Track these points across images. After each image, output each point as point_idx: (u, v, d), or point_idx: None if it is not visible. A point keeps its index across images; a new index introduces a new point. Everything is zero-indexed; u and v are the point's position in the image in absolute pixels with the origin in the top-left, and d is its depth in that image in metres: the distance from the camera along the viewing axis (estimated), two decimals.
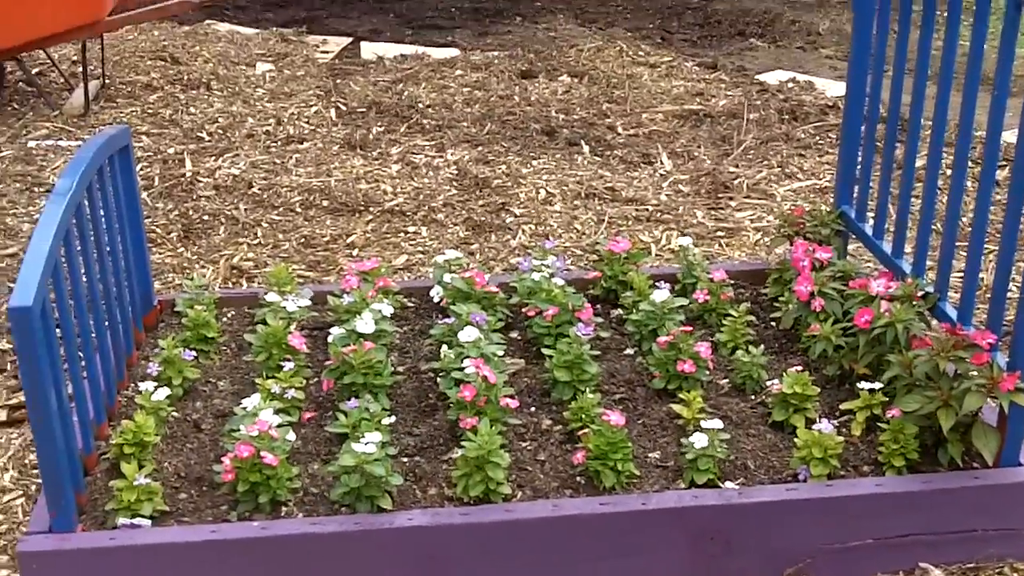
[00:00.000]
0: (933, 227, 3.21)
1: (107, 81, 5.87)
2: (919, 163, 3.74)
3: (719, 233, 4.14)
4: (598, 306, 3.26)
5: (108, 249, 2.76)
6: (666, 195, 4.50)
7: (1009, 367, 2.34)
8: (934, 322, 2.73)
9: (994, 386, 2.30)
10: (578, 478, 2.43)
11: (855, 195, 3.30)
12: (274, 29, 7.34)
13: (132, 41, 6.68)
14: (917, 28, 2.88)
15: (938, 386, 2.39)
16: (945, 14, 2.69)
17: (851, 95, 3.26)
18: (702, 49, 7.08)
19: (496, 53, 6.65)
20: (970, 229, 2.63)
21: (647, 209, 4.35)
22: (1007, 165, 4.33)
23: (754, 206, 4.37)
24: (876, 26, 3.14)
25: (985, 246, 3.59)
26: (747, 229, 4.16)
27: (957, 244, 2.77)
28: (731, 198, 4.44)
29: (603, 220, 4.26)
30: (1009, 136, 3.85)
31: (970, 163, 3.81)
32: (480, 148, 5.02)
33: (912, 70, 2.95)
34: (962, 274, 2.65)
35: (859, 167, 3.30)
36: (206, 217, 4.28)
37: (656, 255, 3.96)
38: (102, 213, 2.72)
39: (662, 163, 4.85)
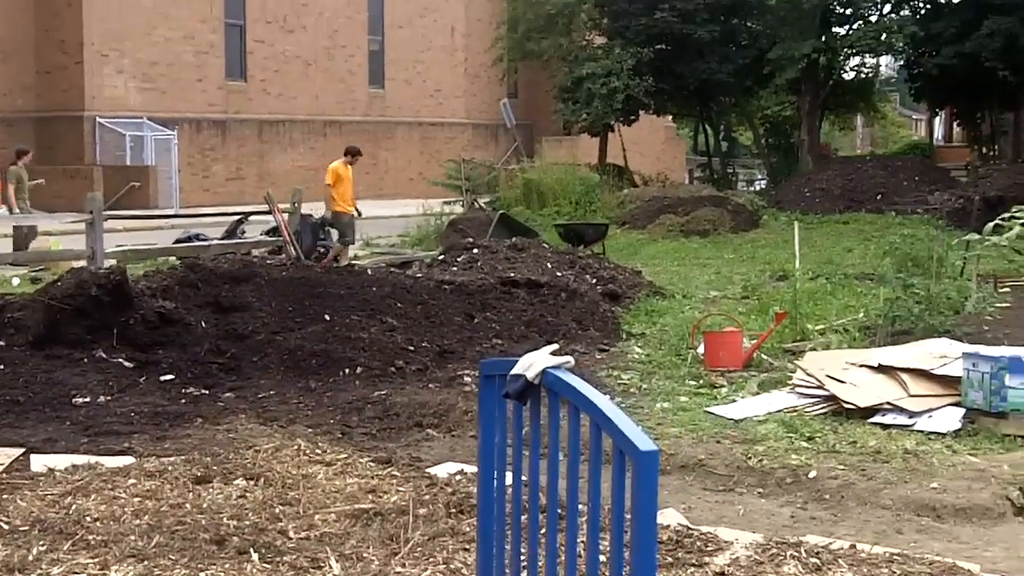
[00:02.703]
0: None
1: None
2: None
3: None
4: None
5: None
6: None
7: None
8: None
9: None
10: None
11: None
12: None
13: None
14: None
15: None
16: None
17: (482, 494, 3.47)
18: (381, 442, 7.32)
19: (172, 459, 6.65)
20: None
21: None
22: None
23: None
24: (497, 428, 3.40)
25: None
26: None
27: None
28: None
29: None
30: None
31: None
32: (146, 563, 4.94)
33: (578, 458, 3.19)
34: None
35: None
36: None
37: None
38: None
39: (331, 567, 4.90)
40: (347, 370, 9.37)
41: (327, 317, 10.36)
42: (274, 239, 16.86)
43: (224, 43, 37.56)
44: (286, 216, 16.59)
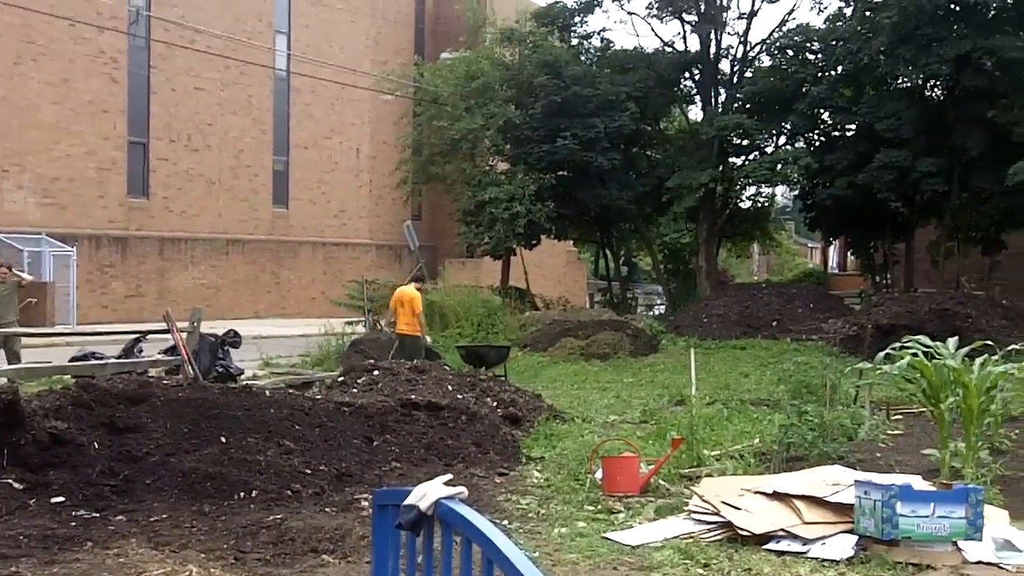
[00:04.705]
0: None
1: None
2: None
3: None
4: None
5: None
6: None
7: None
8: None
9: None
10: None
11: None
12: None
13: None
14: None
15: None
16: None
17: None
18: (275, 568, 7.21)
19: None
20: None
21: None
22: None
23: None
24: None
25: None
26: None
27: None
28: None
29: None
30: None
31: None
32: None
33: None
34: None
35: None
36: None
37: None
38: None
39: None
40: (242, 493, 9.23)
41: (223, 439, 10.23)
42: (172, 358, 16.63)
43: (127, 160, 37.41)
44: (184, 335, 16.40)
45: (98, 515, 8.60)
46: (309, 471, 9.95)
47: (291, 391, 13.47)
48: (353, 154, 46.08)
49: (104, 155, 36.50)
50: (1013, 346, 11.92)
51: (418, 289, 19.53)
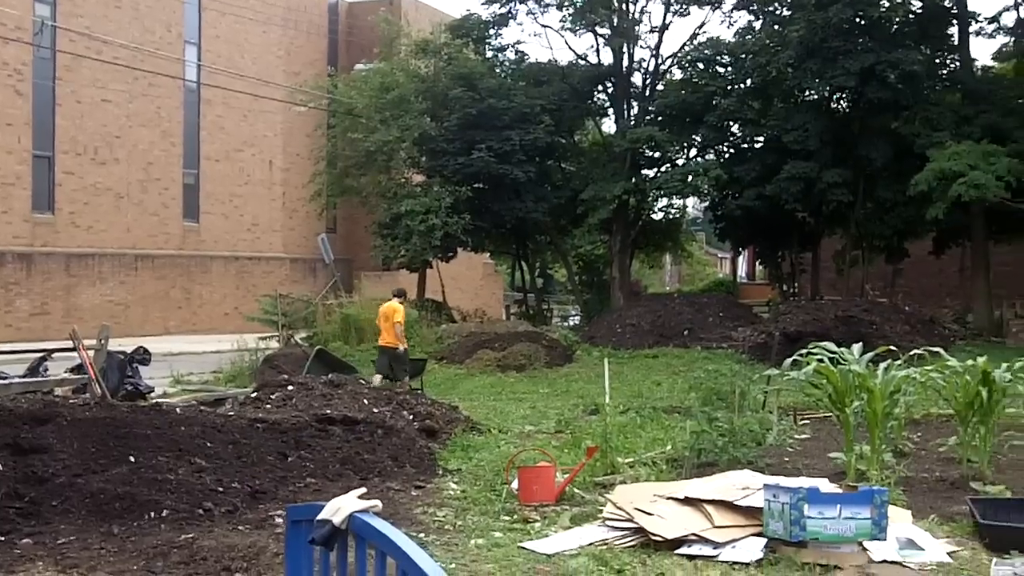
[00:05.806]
0: None
1: None
2: None
3: None
4: None
5: None
6: None
7: None
8: None
9: None
10: None
11: None
12: None
13: None
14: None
15: None
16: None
17: None
18: None
19: None
20: None
21: None
22: None
23: None
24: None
25: None
26: None
27: None
28: None
29: None
30: None
31: None
32: None
33: None
34: None
35: None
36: None
37: None
38: None
39: None
40: (152, 513, 9.10)
41: (132, 458, 10.08)
42: (79, 377, 16.34)
43: (31, 174, 36.67)
44: (92, 353, 16.13)
45: (3, 539, 8.42)
46: (222, 489, 9.84)
47: (203, 408, 13.33)
48: (266, 167, 45.71)
49: (8, 169, 35.76)
50: (915, 351, 12.20)
51: (400, 303, 19.72)
